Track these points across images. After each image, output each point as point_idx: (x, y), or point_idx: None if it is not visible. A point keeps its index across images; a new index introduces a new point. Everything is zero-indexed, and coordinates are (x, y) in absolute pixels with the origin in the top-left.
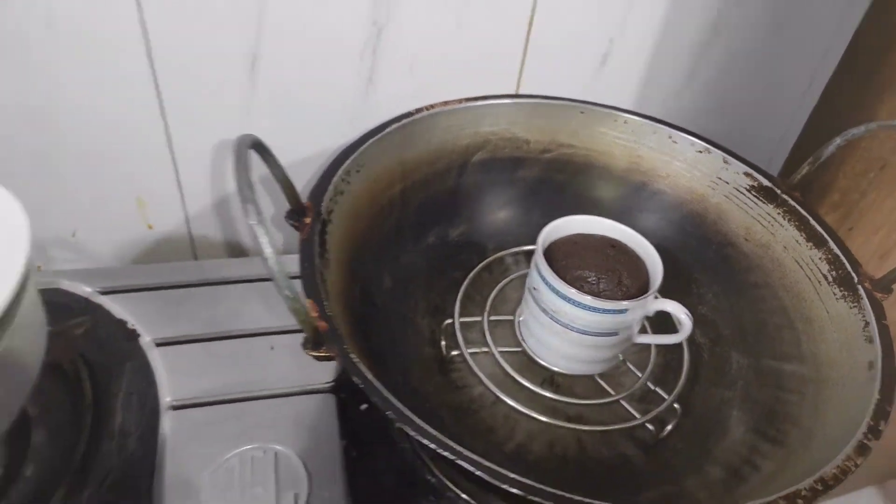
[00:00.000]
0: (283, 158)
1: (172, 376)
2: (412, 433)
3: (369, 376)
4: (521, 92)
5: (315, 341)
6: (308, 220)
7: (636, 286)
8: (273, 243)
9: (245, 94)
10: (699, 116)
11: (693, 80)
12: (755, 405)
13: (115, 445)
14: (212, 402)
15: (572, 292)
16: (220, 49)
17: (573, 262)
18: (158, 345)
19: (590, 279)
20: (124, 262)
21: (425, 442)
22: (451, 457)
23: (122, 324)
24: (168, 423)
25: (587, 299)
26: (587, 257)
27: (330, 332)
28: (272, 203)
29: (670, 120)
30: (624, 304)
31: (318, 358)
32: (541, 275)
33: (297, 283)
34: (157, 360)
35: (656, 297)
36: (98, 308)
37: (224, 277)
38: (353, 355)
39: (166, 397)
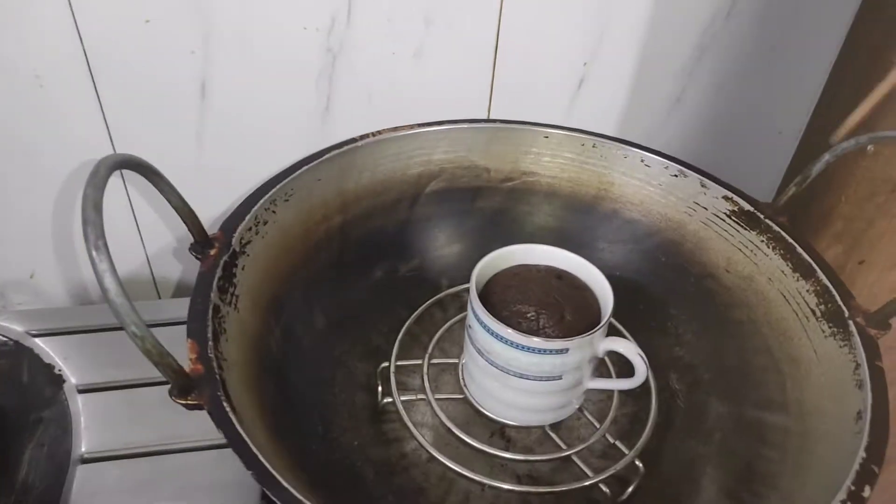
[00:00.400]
0: (236, 189)
1: (91, 425)
2: (272, 496)
3: (237, 427)
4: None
5: (181, 387)
6: (213, 252)
7: (583, 322)
8: (114, 271)
9: (195, 123)
10: (688, 143)
11: (680, 105)
12: (732, 460)
13: (13, 503)
14: (128, 455)
15: (506, 331)
16: (168, 77)
17: (511, 295)
18: (82, 391)
19: (528, 315)
20: (84, 304)
21: None
22: None
23: (49, 368)
24: (77, 478)
25: (520, 338)
26: (528, 290)
27: (204, 377)
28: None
29: (657, 148)
30: (563, 342)
31: (186, 406)
32: (473, 310)
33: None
34: (79, 407)
35: (609, 335)
36: (27, 351)
37: (171, 318)
38: (225, 403)
39: (80, 448)
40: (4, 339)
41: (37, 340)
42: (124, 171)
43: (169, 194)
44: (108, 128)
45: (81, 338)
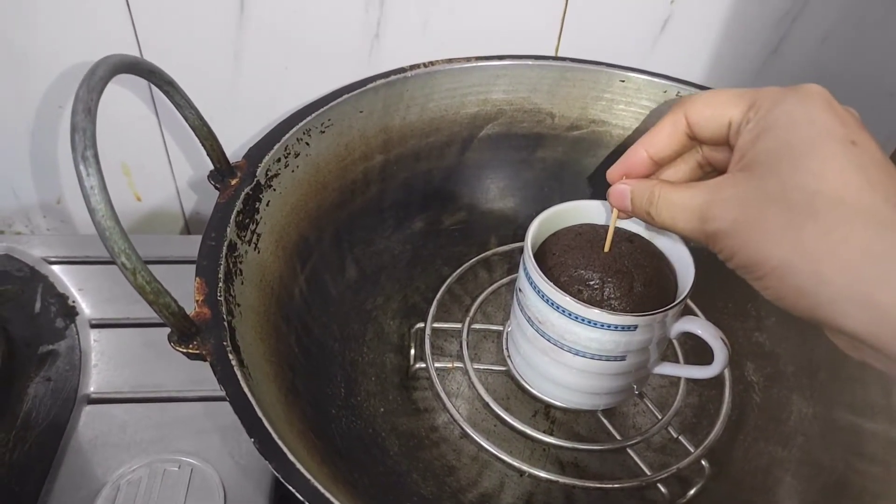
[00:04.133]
0: (273, 119)
1: (101, 363)
2: (272, 469)
3: (242, 385)
4: None
5: (182, 332)
6: (234, 182)
7: (655, 296)
8: (104, 189)
9: (232, 41)
10: None
11: (777, 57)
12: (818, 471)
13: (13, 439)
14: (138, 399)
15: (564, 299)
16: None
17: (573, 258)
18: (95, 325)
19: (592, 282)
20: None
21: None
22: None
23: (62, 298)
24: (81, 419)
25: (580, 308)
26: (592, 254)
27: (210, 323)
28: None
29: None
30: (632, 318)
31: (187, 356)
32: (526, 272)
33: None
34: (90, 342)
35: (682, 314)
36: (41, 278)
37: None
38: (231, 356)
39: (88, 388)
40: (19, 264)
41: (53, 268)
42: (155, 94)
43: (185, 110)
44: (139, 46)
45: (100, 269)
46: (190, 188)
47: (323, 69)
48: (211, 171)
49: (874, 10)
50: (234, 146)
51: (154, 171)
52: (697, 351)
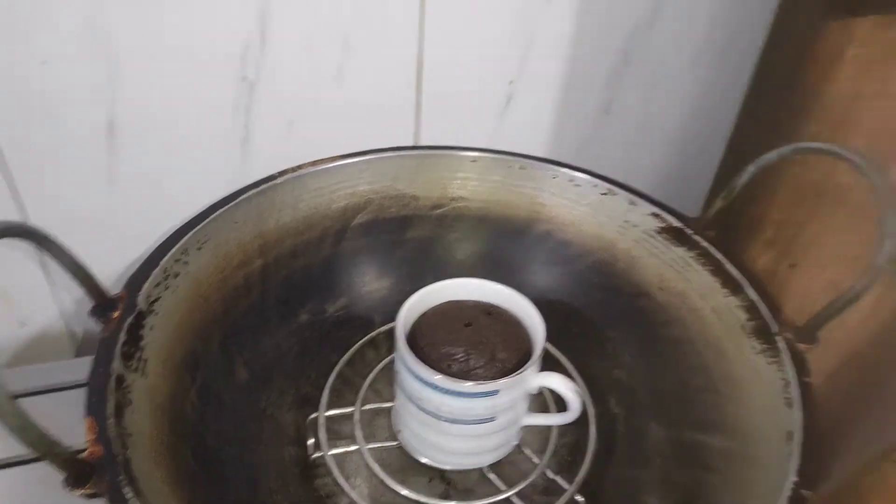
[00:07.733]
0: (156, 233)
1: None
2: None
3: None
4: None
5: (76, 476)
6: (116, 315)
7: (514, 359)
8: None
9: (105, 165)
10: (622, 157)
11: (609, 116)
12: (673, 489)
13: None
14: None
15: (434, 377)
16: (72, 118)
17: (440, 336)
18: None
19: (458, 356)
20: None
21: None
22: None
23: None
24: None
25: (449, 383)
26: (456, 330)
27: (103, 461)
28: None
29: (590, 165)
30: (494, 384)
31: (85, 497)
32: (399, 356)
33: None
34: None
35: (540, 370)
36: None
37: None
38: (127, 489)
39: None
40: None
41: None
42: (33, 221)
43: (62, 258)
44: (12, 178)
45: None
46: (74, 308)
47: (198, 179)
48: (92, 307)
49: (683, 72)
50: (116, 270)
51: (34, 295)
52: None
